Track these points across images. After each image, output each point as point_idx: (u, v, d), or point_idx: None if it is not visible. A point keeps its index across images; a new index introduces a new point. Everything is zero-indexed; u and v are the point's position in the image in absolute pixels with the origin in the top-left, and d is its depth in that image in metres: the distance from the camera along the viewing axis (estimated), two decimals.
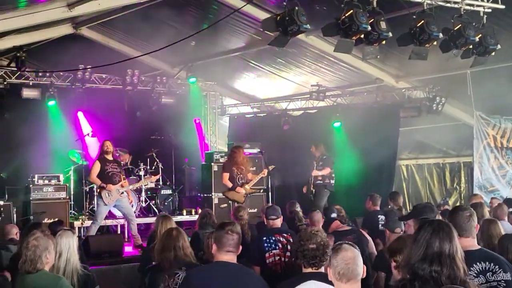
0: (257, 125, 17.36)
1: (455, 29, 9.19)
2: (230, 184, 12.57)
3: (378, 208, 10.80)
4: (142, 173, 14.57)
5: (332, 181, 13.79)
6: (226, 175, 12.64)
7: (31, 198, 12.95)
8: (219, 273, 4.97)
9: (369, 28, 8.55)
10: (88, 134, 14.98)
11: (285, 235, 7.71)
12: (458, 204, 15.95)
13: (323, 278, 4.82)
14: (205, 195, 15.10)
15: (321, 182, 13.67)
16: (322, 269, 4.92)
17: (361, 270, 3.93)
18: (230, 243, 4.98)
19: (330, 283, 4.49)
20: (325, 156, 13.82)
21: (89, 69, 14.63)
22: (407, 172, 17.43)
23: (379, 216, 10.18)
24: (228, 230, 5.01)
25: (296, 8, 8.31)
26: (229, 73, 16.63)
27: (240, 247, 5.10)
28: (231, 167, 12.60)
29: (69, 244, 5.82)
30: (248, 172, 12.78)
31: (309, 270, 4.90)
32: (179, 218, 13.84)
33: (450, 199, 16.32)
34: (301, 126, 16.47)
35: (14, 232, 8.83)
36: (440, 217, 8.38)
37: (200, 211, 14.19)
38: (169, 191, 15.16)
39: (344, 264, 3.88)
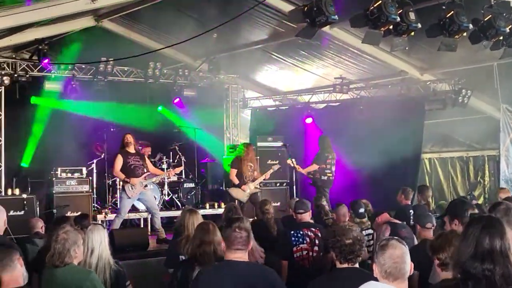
0: (279, 118, 17.23)
1: (485, 19, 9.00)
2: (237, 181, 12.54)
3: (409, 202, 10.62)
4: (165, 166, 14.52)
5: (324, 177, 13.63)
6: (234, 171, 12.65)
7: (54, 191, 12.96)
8: (227, 274, 4.85)
9: (398, 19, 8.39)
10: (111, 128, 14.91)
11: (313, 229, 7.64)
12: (482, 198, 15.82)
13: (360, 273, 4.72)
14: (228, 188, 15.01)
15: (312, 177, 13.64)
16: (357, 264, 4.82)
17: (408, 268, 3.80)
18: (238, 241, 4.86)
19: (369, 278, 4.39)
20: (318, 152, 13.73)
21: (111, 62, 14.54)
22: (430, 165, 17.23)
23: (410, 210, 10.03)
24: (236, 228, 4.89)
25: None
26: (251, 66, 16.50)
27: (251, 243, 4.99)
28: (240, 164, 12.55)
29: (101, 239, 5.76)
30: (255, 170, 12.73)
31: (345, 265, 4.79)
32: (202, 211, 13.54)
33: (474, 193, 16.09)
34: (324, 119, 16.33)
35: (40, 225, 8.79)
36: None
37: (223, 204, 14.20)
38: (192, 185, 15.12)
39: (392, 263, 3.75)
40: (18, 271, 4.42)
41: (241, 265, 4.87)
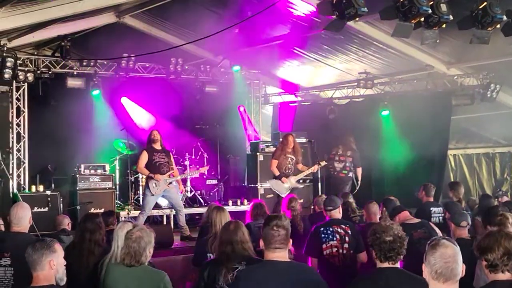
0: (301, 114, 17.07)
1: None
2: (277, 172, 12.30)
3: (431, 199, 10.35)
4: (187, 163, 14.42)
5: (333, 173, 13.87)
6: (275, 162, 12.39)
7: (77, 188, 12.99)
8: (267, 275, 4.69)
9: (430, 10, 8.19)
10: (133, 124, 14.85)
11: (343, 226, 7.50)
12: (508, 195, 15.55)
13: (402, 274, 4.55)
14: (251, 185, 14.93)
15: None
16: (398, 264, 4.64)
17: (460, 269, 3.64)
18: (276, 239, 4.69)
19: (409, 279, 4.22)
20: None
21: (132, 58, 14.46)
22: (455, 162, 17.00)
23: (431, 208, 9.77)
24: (274, 226, 4.73)
25: None
26: (273, 61, 16.33)
27: (290, 241, 4.83)
28: (281, 155, 12.35)
29: None
30: (299, 163, 12.49)
31: (386, 265, 4.60)
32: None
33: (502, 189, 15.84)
34: (347, 115, 16.13)
35: (66, 222, 8.73)
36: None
37: (246, 201, 14.09)
38: (214, 181, 15.03)
39: (444, 263, 3.59)
40: (47, 271, 4.47)
41: (282, 264, 4.71)
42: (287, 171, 12.40)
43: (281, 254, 4.71)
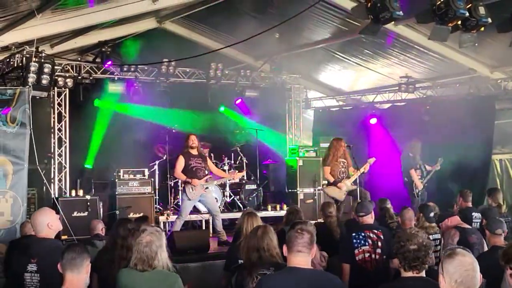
0: (342, 118, 16.92)
1: None
2: (332, 178, 12.21)
3: (470, 204, 10.14)
4: (226, 167, 14.43)
5: None
6: (328, 169, 12.31)
7: (116, 193, 13.09)
8: (289, 282, 4.62)
9: (467, 13, 8.02)
10: (173, 129, 14.91)
11: (376, 231, 7.39)
12: None
13: (426, 283, 4.43)
14: (290, 190, 14.86)
15: None
16: (423, 273, 4.51)
17: (479, 278, 3.50)
18: (299, 241, 4.62)
19: None
20: None
21: (172, 63, 14.57)
22: (501, 167, 16.58)
23: (472, 213, 9.58)
24: (298, 229, 4.68)
25: None
26: (314, 66, 16.25)
27: (315, 248, 4.75)
28: (333, 161, 12.25)
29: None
30: (350, 166, 12.38)
31: (410, 274, 4.48)
32: (263, 213, 13.60)
33: None
34: (389, 119, 15.93)
35: (100, 227, 8.81)
36: None
37: (285, 206, 14.01)
38: (253, 186, 14.98)
39: (464, 271, 3.46)
40: (83, 275, 4.55)
41: (305, 272, 4.63)
42: (341, 175, 12.32)
43: (303, 260, 4.63)
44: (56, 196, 13.05)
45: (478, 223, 9.11)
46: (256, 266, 5.47)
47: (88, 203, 12.55)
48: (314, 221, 10.46)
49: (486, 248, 7.27)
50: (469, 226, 7.76)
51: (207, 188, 11.63)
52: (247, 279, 5.44)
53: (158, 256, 5.17)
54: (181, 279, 5.44)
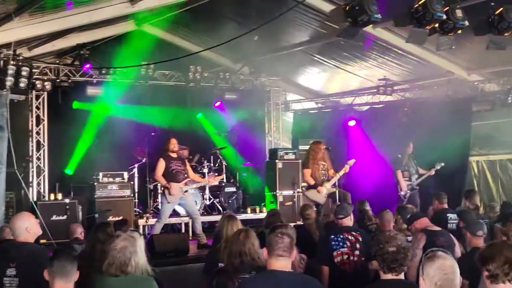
0: (321, 121, 16.98)
1: None
2: (312, 181, 12.25)
3: (446, 205, 10.23)
4: (206, 170, 14.41)
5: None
6: (308, 172, 12.37)
7: (96, 196, 12.97)
8: (269, 285, 4.62)
9: (444, 16, 8.11)
10: (152, 132, 14.85)
11: (354, 233, 7.44)
12: None
13: (405, 286, 4.47)
14: (270, 192, 14.85)
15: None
16: (402, 276, 4.55)
17: (459, 281, 3.54)
18: (279, 246, 4.61)
19: None
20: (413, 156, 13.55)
21: (151, 66, 14.52)
22: (478, 168, 16.73)
23: (448, 214, 9.67)
24: (279, 233, 4.67)
25: None
26: (293, 68, 16.30)
27: (295, 251, 4.76)
28: (313, 164, 12.29)
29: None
30: (330, 169, 12.43)
31: (389, 276, 4.50)
32: (243, 216, 13.60)
33: None
34: (368, 121, 16.03)
35: (79, 231, 8.77)
36: None
37: (264, 209, 14.03)
38: (233, 189, 14.99)
39: (443, 274, 3.48)
40: (72, 283, 4.54)
41: (284, 274, 4.64)
42: (321, 178, 12.37)
43: (283, 263, 4.63)
44: (35, 199, 12.96)
45: (454, 224, 9.19)
46: (238, 271, 5.48)
47: (67, 207, 12.47)
48: (293, 224, 10.48)
49: (458, 250, 7.33)
50: (438, 228, 7.71)
51: (186, 191, 11.61)
52: (228, 283, 5.44)
53: (132, 262, 5.12)
54: (159, 282, 5.43)
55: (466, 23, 8.36)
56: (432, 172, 13.29)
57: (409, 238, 7.98)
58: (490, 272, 3.82)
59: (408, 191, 13.43)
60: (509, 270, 3.76)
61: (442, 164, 13.15)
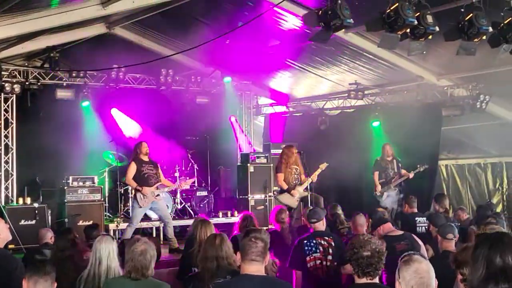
0: (293, 125, 17.03)
1: (505, 22, 8.71)
2: (285, 186, 12.26)
3: (415, 209, 10.33)
4: (177, 174, 14.33)
5: None
6: (281, 176, 12.36)
7: (65, 200, 12.84)
8: None
9: (416, 22, 8.15)
10: (123, 135, 14.76)
11: (327, 238, 7.46)
12: (500, 205, 15.52)
13: None
14: (241, 197, 14.85)
15: (400, 185, 13.50)
16: (376, 280, 4.57)
17: (434, 284, 3.56)
18: (253, 250, 4.62)
19: None
20: (397, 158, 13.59)
21: (122, 69, 14.42)
22: (447, 172, 16.94)
23: (416, 218, 9.77)
24: (252, 237, 4.69)
25: (339, 1, 7.96)
26: (265, 72, 16.30)
27: (268, 256, 4.77)
28: (285, 168, 12.30)
29: (109, 250, 5.59)
30: (302, 173, 12.46)
31: (363, 280, 4.52)
32: (214, 220, 13.51)
33: (492, 200, 15.78)
34: (339, 125, 16.11)
35: (49, 236, 8.63)
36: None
37: (236, 213, 14.01)
38: (204, 193, 14.93)
39: (419, 278, 3.50)
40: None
41: (257, 279, 4.63)
42: (294, 182, 12.38)
43: (257, 268, 4.63)
44: (3, 204, 12.79)
45: (424, 228, 9.29)
46: (214, 275, 5.47)
47: (36, 211, 12.34)
48: (265, 228, 10.49)
49: (424, 253, 7.39)
50: (400, 233, 7.75)
51: (158, 195, 11.53)
52: (203, 287, 5.43)
53: (152, 266, 5.14)
54: None
55: (437, 28, 8.42)
56: (411, 175, 13.29)
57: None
58: (464, 276, 3.87)
59: (385, 192, 13.48)
60: None
61: (426, 166, 13.18)
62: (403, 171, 13.57)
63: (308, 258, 7.25)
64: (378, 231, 7.63)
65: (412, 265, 3.55)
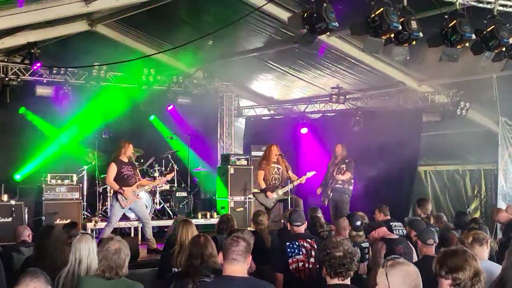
0: (274, 127, 17.02)
1: (488, 30, 8.80)
2: (263, 185, 12.24)
3: (389, 217, 10.36)
4: (157, 174, 14.25)
5: (351, 187, 13.38)
6: (261, 173, 12.36)
7: (43, 198, 12.70)
8: None
9: (400, 27, 8.18)
10: (102, 134, 14.63)
11: (309, 240, 7.46)
12: (478, 211, 15.61)
13: None
14: (221, 198, 14.79)
15: (341, 187, 13.23)
16: (348, 281, 4.58)
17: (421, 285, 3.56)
18: (234, 249, 4.63)
19: None
20: (347, 160, 13.42)
21: (104, 67, 14.31)
22: (426, 178, 17.02)
23: (391, 223, 9.79)
24: (234, 237, 4.72)
25: (325, 4, 7.97)
26: (246, 74, 16.30)
27: (250, 257, 4.77)
28: (266, 165, 12.27)
29: (89, 249, 5.53)
30: (285, 173, 12.39)
31: (335, 281, 4.56)
32: (194, 221, 13.15)
33: (470, 206, 15.87)
34: (320, 129, 16.14)
35: (27, 234, 8.54)
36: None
37: (215, 214, 13.97)
38: (184, 194, 14.83)
39: (411, 281, 3.50)
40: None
41: (239, 280, 4.61)
42: (274, 181, 12.34)
43: (238, 268, 4.62)
44: None
45: (401, 230, 9.31)
46: (198, 273, 5.47)
47: (13, 209, 12.15)
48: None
49: (415, 256, 7.42)
50: (395, 236, 7.89)
51: (138, 195, 11.45)
52: (187, 286, 5.41)
53: (126, 265, 5.08)
54: None
55: (421, 34, 8.46)
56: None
57: (363, 245, 8.10)
58: (457, 281, 3.82)
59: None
60: (477, 282, 3.78)
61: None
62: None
63: (290, 260, 7.23)
64: (373, 234, 7.67)
65: (401, 268, 3.54)
